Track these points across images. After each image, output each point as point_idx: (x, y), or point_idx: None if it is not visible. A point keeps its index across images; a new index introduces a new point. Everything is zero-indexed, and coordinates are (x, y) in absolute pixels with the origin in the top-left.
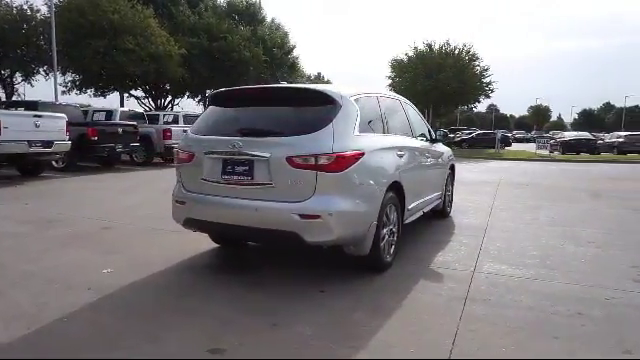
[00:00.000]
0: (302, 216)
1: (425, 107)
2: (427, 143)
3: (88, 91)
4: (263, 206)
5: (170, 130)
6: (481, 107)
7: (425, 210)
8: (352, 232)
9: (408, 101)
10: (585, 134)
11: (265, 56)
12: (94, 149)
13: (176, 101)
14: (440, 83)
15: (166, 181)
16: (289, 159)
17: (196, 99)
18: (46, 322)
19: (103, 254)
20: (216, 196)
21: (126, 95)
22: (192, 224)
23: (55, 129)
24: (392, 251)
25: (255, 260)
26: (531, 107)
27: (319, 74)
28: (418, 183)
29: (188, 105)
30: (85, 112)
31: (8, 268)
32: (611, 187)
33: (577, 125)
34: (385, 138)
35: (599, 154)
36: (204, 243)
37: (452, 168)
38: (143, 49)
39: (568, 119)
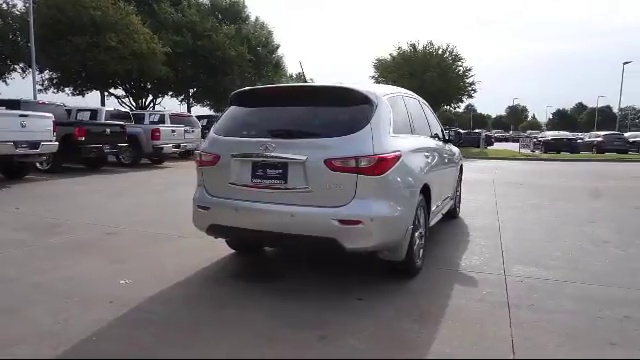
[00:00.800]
0: (342, 222)
1: None
2: (442, 143)
3: (66, 89)
4: (300, 212)
5: (159, 130)
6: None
7: (444, 211)
8: (392, 237)
9: (424, 100)
10: (566, 133)
11: (250, 55)
12: (81, 150)
13: (157, 100)
14: (425, 83)
15: (158, 183)
16: (328, 162)
17: (179, 98)
18: (75, 341)
19: (114, 263)
20: (246, 201)
21: (105, 94)
22: (217, 231)
23: (42, 129)
24: (421, 255)
25: (276, 266)
26: (509, 107)
27: (299, 74)
28: (440, 184)
29: (169, 104)
30: (68, 111)
31: (17, 281)
32: (603, 186)
33: (552, 125)
34: (414, 139)
35: (579, 153)
36: (216, 249)
37: (460, 169)
38: (126, 47)
39: (543, 119)
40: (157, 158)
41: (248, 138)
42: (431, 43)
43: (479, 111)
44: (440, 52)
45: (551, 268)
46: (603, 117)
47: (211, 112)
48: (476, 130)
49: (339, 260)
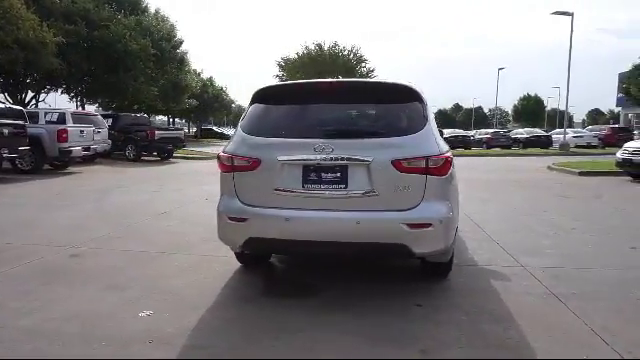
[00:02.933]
0: (412, 226)
1: None
2: None
3: None
4: (366, 218)
5: (66, 131)
6: None
7: None
8: (452, 238)
9: None
10: (460, 131)
11: (153, 49)
12: None
13: (41, 96)
14: None
15: (83, 191)
16: (396, 163)
17: (71, 94)
18: None
19: (111, 290)
20: (298, 209)
21: None
22: (258, 245)
23: None
24: None
25: (299, 278)
26: None
27: (195, 70)
28: None
29: (52, 101)
30: None
31: (3, 329)
32: (517, 177)
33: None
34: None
35: (470, 149)
36: (217, 264)
37: None
38: (8, 34)
39: None
40: (61, 163)
41: (298, 139)
42: (336, 44)
43: None
44: (346, 53)
45: (552, 256)
46: (476, 116)
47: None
48: None
49: (353, 264)
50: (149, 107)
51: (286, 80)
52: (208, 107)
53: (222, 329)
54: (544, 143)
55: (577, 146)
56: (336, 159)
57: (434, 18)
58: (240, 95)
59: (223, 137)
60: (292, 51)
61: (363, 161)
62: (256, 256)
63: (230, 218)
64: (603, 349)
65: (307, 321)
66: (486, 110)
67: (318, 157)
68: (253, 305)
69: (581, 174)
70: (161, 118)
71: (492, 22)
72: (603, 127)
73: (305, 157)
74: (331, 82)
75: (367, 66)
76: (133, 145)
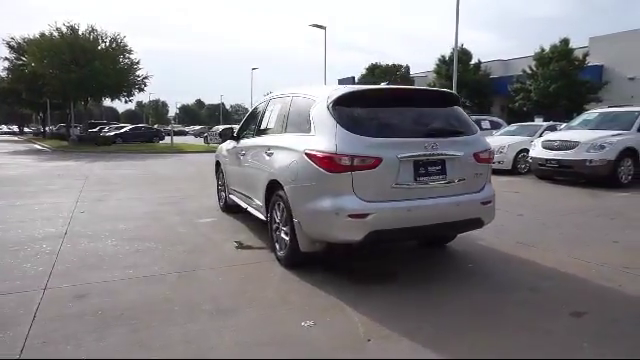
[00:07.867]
0: (483, 203)
1: (79, 99)
2: None
3: None
4: (463, 200)
5: None
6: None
7: None
8: None
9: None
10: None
11: None
12: None
13: None
14: (96, 73)
15: None
16: (476, 155)
17: None
18: None
19: (219, 316)
20: (416, 199)
21: None
22: (378, 237)
23: None
24: None
25: (370, 266)
26: (151, 102)
27: None
28: None
29: None
30: None
31: None
32: None
33: (178, 119)
34: None
35: None
36: (254, 270)
37: None
38: None
39: (172, 113)
40: None
41: (411, 138)
42: (94, 28)
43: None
44: (108, 42)
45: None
46: (219, 112)
47: None
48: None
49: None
50: None
51: (25, 64)
52: None
53: (391, 316)
54: None
55: None
56: (440, 154)
57: (187, 16)
58: None
59: None
60: (32, 31)
61: (458, 155)
62: (310, 254)
63: (351, 215)
64: (601, 268)
65: (424, 297)
66: (228, 107)
67: (427, 153)
68: (369, 295)
69: None
70: None
71: (247, 25)
72: None
73: (419, 153)
74: (413, 89)
75: (131, 57)
76: None
